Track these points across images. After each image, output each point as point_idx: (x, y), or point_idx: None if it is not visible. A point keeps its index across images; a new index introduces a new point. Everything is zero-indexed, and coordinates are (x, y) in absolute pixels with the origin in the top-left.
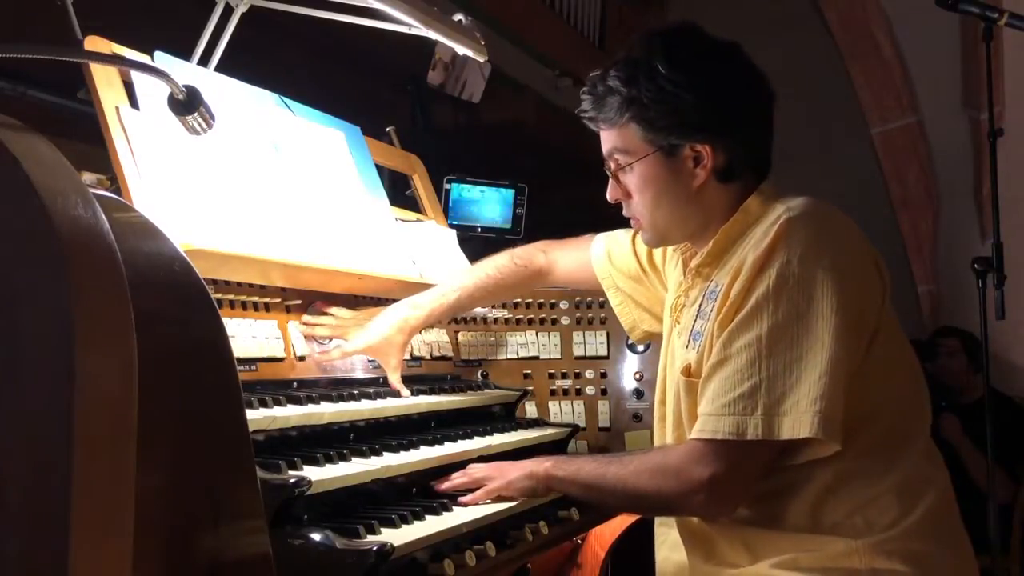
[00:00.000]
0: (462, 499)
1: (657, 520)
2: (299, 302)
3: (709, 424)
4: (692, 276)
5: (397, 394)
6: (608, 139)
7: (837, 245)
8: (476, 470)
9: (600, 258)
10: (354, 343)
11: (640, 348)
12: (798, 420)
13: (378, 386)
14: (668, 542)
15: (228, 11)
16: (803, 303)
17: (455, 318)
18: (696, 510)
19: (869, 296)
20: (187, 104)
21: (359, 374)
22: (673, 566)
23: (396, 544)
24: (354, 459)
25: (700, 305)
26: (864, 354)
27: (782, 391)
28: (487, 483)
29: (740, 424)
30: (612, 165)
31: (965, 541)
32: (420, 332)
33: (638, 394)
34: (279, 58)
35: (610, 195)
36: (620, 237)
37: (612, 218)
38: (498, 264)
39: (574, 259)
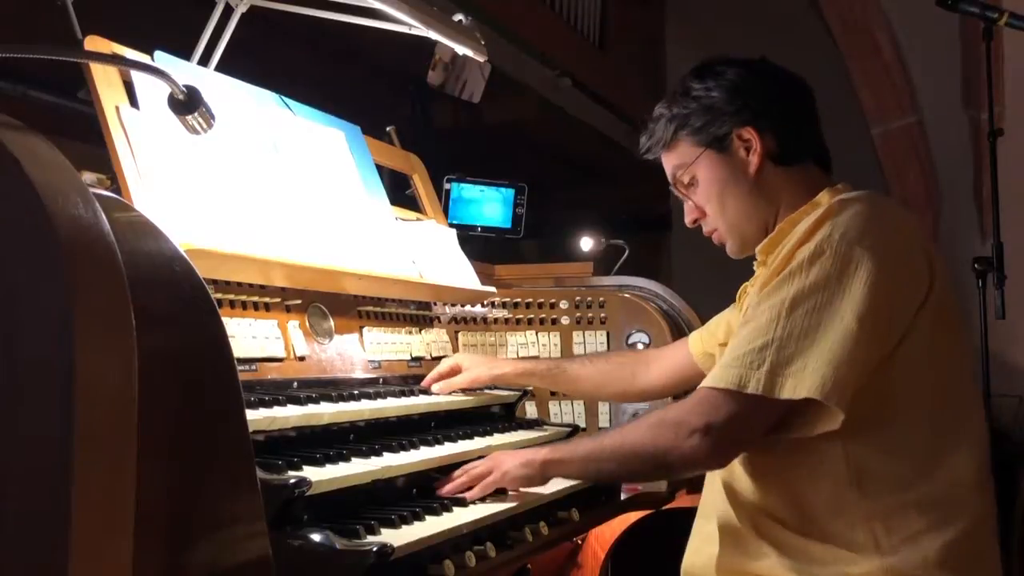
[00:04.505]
0: (461, 495)
1: (698, 512)
2: (299, 302)
3: (717, 374)
4: (758, 264)
5: (397, 394)
6: (667, 162)
7: (882, 232)
8: (474, 467)
9: (694, 338)
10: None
11: (640, 348)
12: (800, 383)
13: (378, 386)
14: (702, 534)
15: (228, 11)
16: (833, 276)
17: (454, 318)
18: (688, 455)
19: (907, 291)
20: (187, 104)
21: (359, 374)
22: (705, 557)
23: (396, 544)
24: (354, 459)
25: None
26: (893, 347)
27: (791, 352)
28: (485, 478)
29: (743, 377)
30: (679, 186)
31: None
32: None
33: None
34: (279, 58)
35: (687, 218)
36: (716, 318)
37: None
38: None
39: (670, 351)
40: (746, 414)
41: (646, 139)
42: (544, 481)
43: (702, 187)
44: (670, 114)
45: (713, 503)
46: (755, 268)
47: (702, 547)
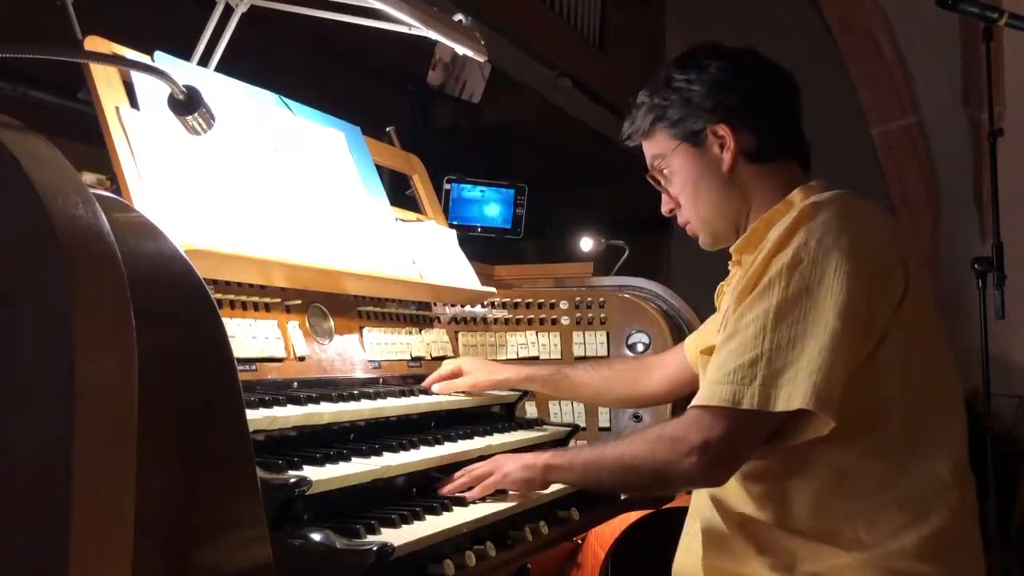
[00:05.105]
0: (462, 495)
1: (689, 511)
2: (299, 302)
3: (708, 391)
4: (733, 264)
5: (397, 394)
6: (647, 151)
7: (858, 233)
8: (476, 468)
9: (689, 342)
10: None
11: (640, 348)
12: (793, 392)
13: (378, 386)
14: (691, 533)
15: (228, 11)
16: (814, 281)
17: (454, 318)
18: (687, 473)
19: (884, 291)
20: (187, 104)
21: (359, 374)
22: (694, 557)
23: (396, 544)
24: (354, 459)
25: (735, 289)
26: (874, 349)
27: (782, 364)
28: (486, 479)
29: (737, 393)
30: (656, 175)
31: (976, 571)
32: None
33: None
34: (279, 58)
35: (664, 208)
36: (707, 321)
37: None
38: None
39: (670, 356)
40: (743, 430)
41: (628, 125)
42: (545, 485)
43: (676, 179)
44: (650, 103)
45: (699, 504)
46: (730, 267)
47: (691, 545)
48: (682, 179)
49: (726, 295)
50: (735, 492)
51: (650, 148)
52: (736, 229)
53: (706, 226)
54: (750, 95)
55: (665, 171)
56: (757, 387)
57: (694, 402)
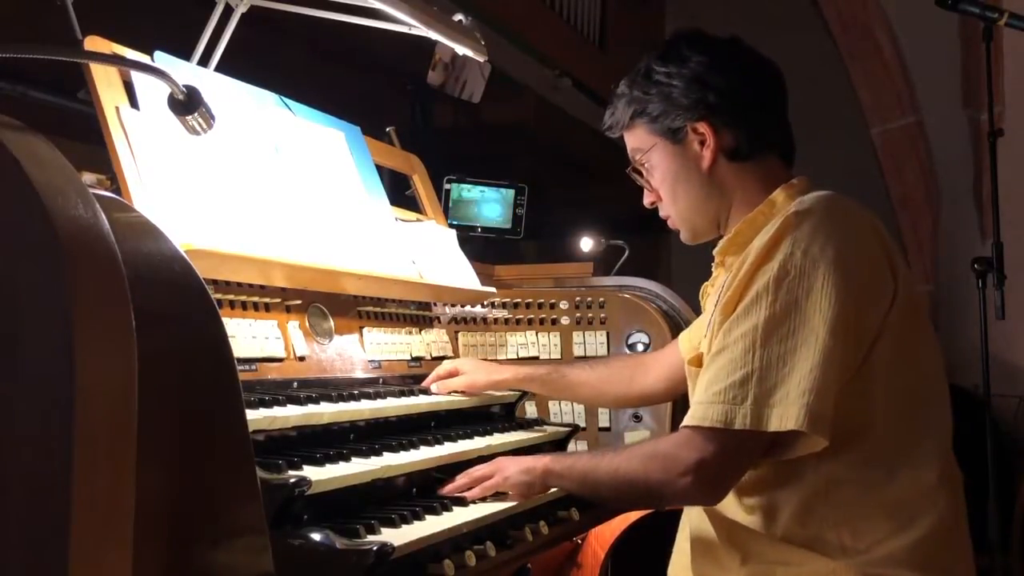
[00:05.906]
0: (461, 495)
1: (683, 513)
2: (299, 302)
3: (699, 411)
4: (716, 265)
5: (397, 394)
6: (627, 143)
7: (844, 241)
8: (476, 470)
9: (683, 339)
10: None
11: (640, 348)
12: (786, 412)
13: (378, 386)
14: (685, 534)
15: (228, 11)
16: (802, 295)
17: (454, 318)
18: (681, 493)
19: (873, 297)
20: (187, 104)
21: (359, 374)
22: (686, 559)
23: (396, 544)
24: (354, 459)
25: (720, 294)
26: (864, 357)
27: (773, 382)
28: (486, 480)
29: (729, 413)
30: (637, 169)
31: (965, 575)
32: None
33: None
34: (279, 58)
35: (646, 200)
36: (698, 320)
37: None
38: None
39: (665, 354)
40: (736, 450)
41: (608, 116)
42: (544, 489)
43: (657, 175)
44: (630, 96)
45: (691, 509)
46: (713, 268)
47: (685, 547)
48: (662, 175)
49: (710, 296)
50: (724, 500)
51: (630, 141)
52: (716, 225)
53: (686, 222)
54: (731, 92)
55: (646, 165)
56: (749, 407)
57: (686, 421)
